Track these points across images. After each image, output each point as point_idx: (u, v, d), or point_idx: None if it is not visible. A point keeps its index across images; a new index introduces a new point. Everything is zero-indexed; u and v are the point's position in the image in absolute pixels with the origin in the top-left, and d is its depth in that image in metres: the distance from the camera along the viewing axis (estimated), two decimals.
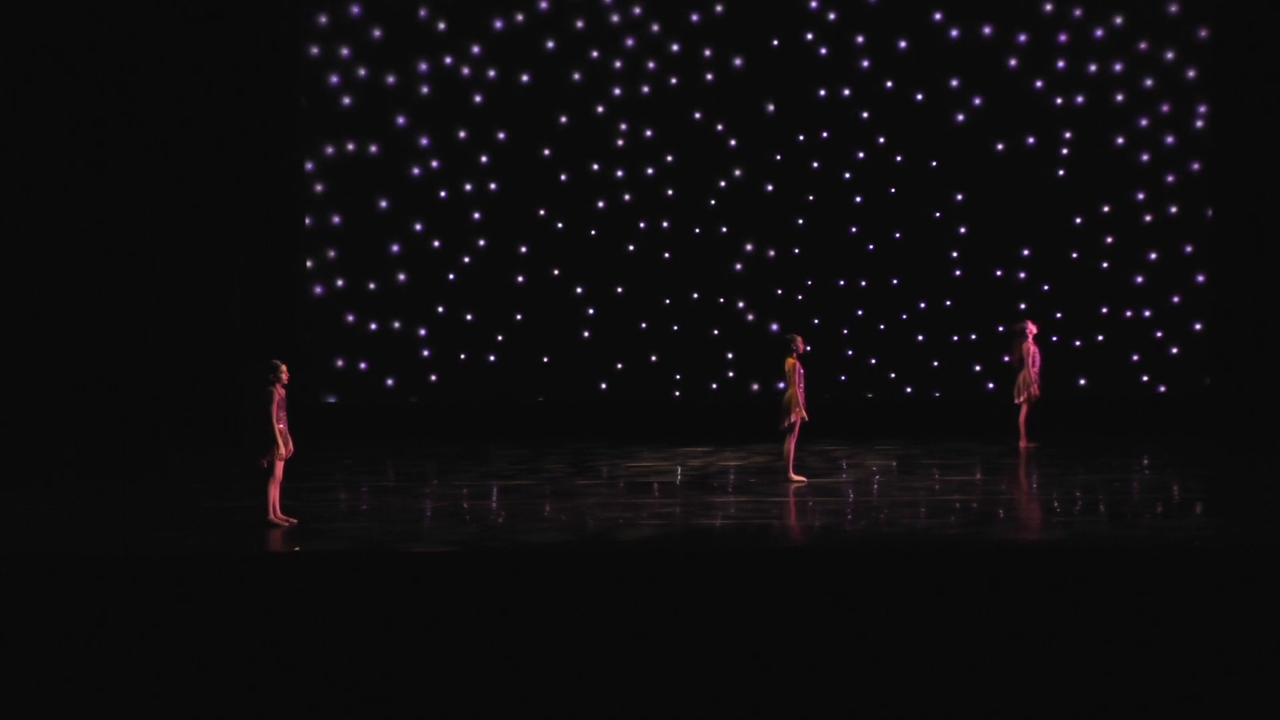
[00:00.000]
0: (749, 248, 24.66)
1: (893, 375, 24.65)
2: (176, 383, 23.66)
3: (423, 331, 24.57)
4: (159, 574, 14.48)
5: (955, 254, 24.57)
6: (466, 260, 24.58)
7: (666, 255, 24.66)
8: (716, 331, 24.68)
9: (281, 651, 13.71)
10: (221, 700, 13.54)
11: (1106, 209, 24.38)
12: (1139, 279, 24.37)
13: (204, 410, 23.69)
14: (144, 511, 17.67)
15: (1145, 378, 24.43)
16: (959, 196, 24.51)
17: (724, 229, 24.65)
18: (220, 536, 16.08)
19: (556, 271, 24.62)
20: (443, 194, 24.52)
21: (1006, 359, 23.20)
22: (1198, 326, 24.31)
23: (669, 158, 24.61)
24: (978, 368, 24.55)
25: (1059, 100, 24.31)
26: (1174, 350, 24.34)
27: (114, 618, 13.93)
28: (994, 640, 13.57)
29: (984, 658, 13.49)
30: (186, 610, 13.99)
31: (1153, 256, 24.34)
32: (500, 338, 24.62)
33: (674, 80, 24.54)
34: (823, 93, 24.54)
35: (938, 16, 24.34)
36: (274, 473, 16.56)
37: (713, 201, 24.63)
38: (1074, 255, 24.43)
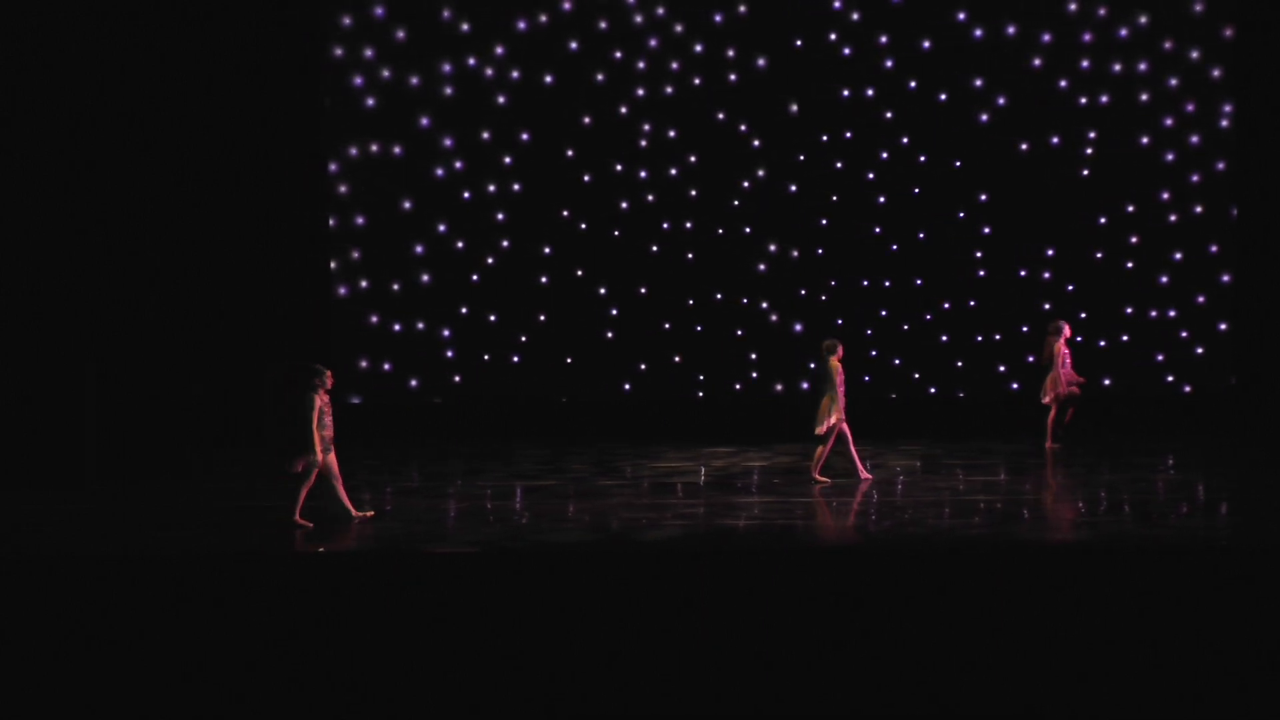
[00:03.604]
0: (772, 248, 24.66)
1: (916, 375, 24.62)
2: (198, 382, 23.74)
3: (446, 332, 24.61)
4: (175, 574, 14.52)
5: (979, 254, 24.54)
6: (490, 261, 24.62)
7: (690, 255, 24.66)
8: (740, 332, 24.68)
9: (303, 651, 13.73)
10: (242, 700, 13.56)
11: (1131, 208, 24.34)
12: (1163, 278, 24.32)
13: (227, 411, 23.76)
14: (162, 511, 17.72)
15: (1170, 377, 24.37)
16: (983, 196, 24.48)
17: (747, 229, 24.65)
18: (239, 536, 16.11)
19: (579, 272, 24.65)
20: (466, 195, 24.57)
21: (1030, 359, 23.16)
22: (1222, 326, 24.24)
23: (692, 158, 24.62)
24: (1001, 368, 24.52)
25: (1083, 100, 24.28)
26: (1199, 350, 24.28)
27: (121, 618, 13.97)
28: (1019, 640, 13.55)
29: (1009, 658, 13.46)
30: (207, 610, 14.02)
31: (1177, 256, 24.28)
32: (523, 338, 24.66)
33: (697, 80, 24.55)
34: (846, 93, 24.53)
35: (961, 16, 24.33)
36: (308, 477, 16.55)
37: (736, 202, 24.64)
38: (1098, 255, 24.39)
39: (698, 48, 24.51)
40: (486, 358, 24.66)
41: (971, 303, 24.59)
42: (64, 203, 23.34)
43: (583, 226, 24.66)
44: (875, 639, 13.65)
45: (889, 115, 24.50)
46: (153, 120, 23.69)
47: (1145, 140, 24.25)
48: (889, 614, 13.83)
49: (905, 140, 24.51)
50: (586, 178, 24.64)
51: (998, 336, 24.56)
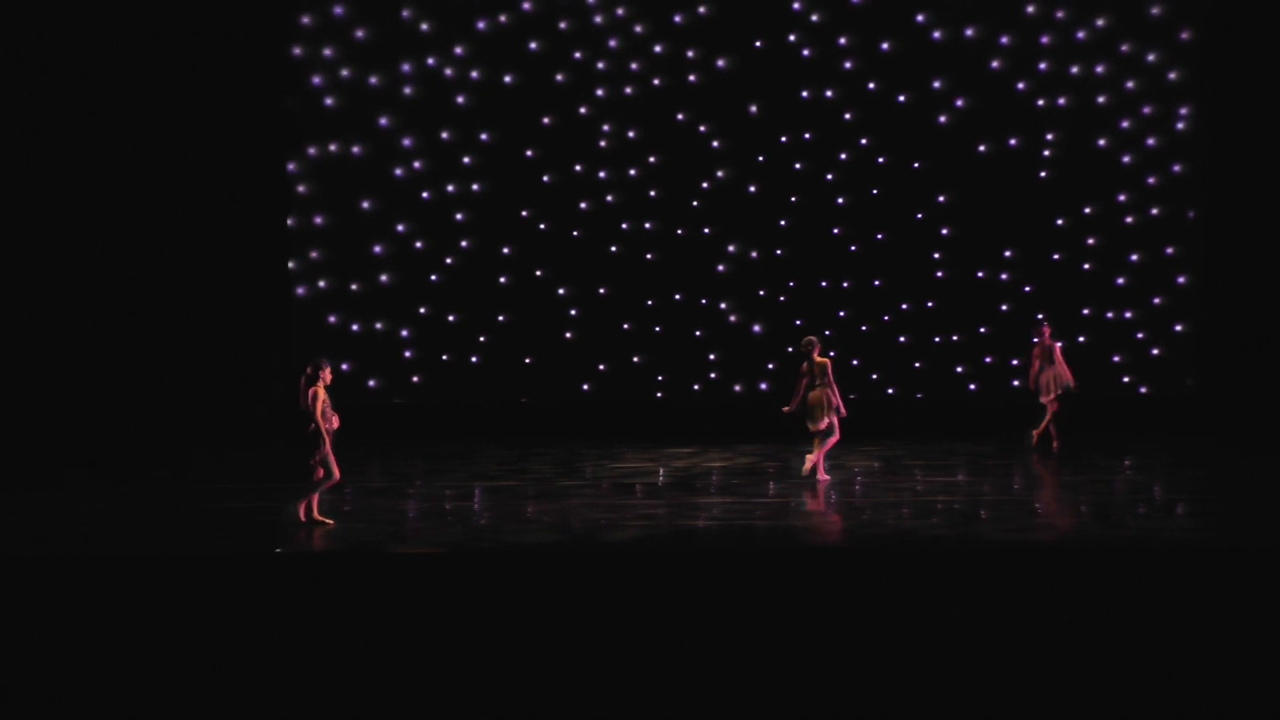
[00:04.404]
0: (732, 249, 24.69)
1: (875, 376, 24.68)
2: (157, 382, 23.69)
3: (405, 332, 24.56)
4: (144, 575, 14.46)
5: (938, 255, 24.62)
6: (450, 261, 24.58)
7: (650, 256, 24.68)
8: (699, 332, 24.70)
9: (264, 652, 13.67)
10: (200, 701, 13.49)
11: (1089, 210, 24.46)
12: (1121, 280, 24.45)
13: (187, 410, 23.70)
14: (125, 511, 17.63)
15: (1128, 378, 24.51)
16: (942, 198, 24.56)
17: (707, 230, 24.67)
18: (202, 537, 16.03)
19: (540, 272, 24.63)
20: (426, 195, 24.52)
21: (988, 359, 23.23)
22: (1180, 327, 24.39)
23: (652, 159, 24.63)
24: (959, 369, 24.60)
25: (1042, 102, 24.38)
26: (1156, 351, 24.42)
27: (87, 620, 13.90)
28: (980, 640, 13.58)
29: (970, 658, 13.49)
30: (170, 610, 13.95)
31: (1135, 258, 24.41)
32: (484, 339, 24.62)
33: (658, 81, 24.56)
34: (806, 94, 24.57)
35: (921, 18, 24.39)
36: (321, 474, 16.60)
37: (696, 203, 24.65)
38: (1056, 256, 24.50)
39: (658, 49, 24.53)
40: (446, 358, 24.62)
41: (930, 304, 24.68)
42: (18, 201, 23.22)
43: (543, 227, 24.65)
44: (836, 639, 13.67)
45: (849, 117, 24.57)
46: (112, 119, 23.59)
47: (1104, 142, 24.38)
48: (849, 614, 13.86)
49: (864, 142, 24.58)
50: (547, 178, 24.62)
51: (955, 338, 24.65)
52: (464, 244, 24.59)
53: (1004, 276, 24.60)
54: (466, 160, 24.54)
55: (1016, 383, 22.77)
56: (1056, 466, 20.76)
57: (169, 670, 13.55)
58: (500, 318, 24.63)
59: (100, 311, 23.65)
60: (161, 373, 23.80)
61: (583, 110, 24.59)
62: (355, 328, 24.52)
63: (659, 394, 24.81)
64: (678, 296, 24.71)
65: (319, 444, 16.41)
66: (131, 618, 13.92)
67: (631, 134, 24.61)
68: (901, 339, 24.70)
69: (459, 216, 24.57)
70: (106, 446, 22.58)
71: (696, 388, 24.79)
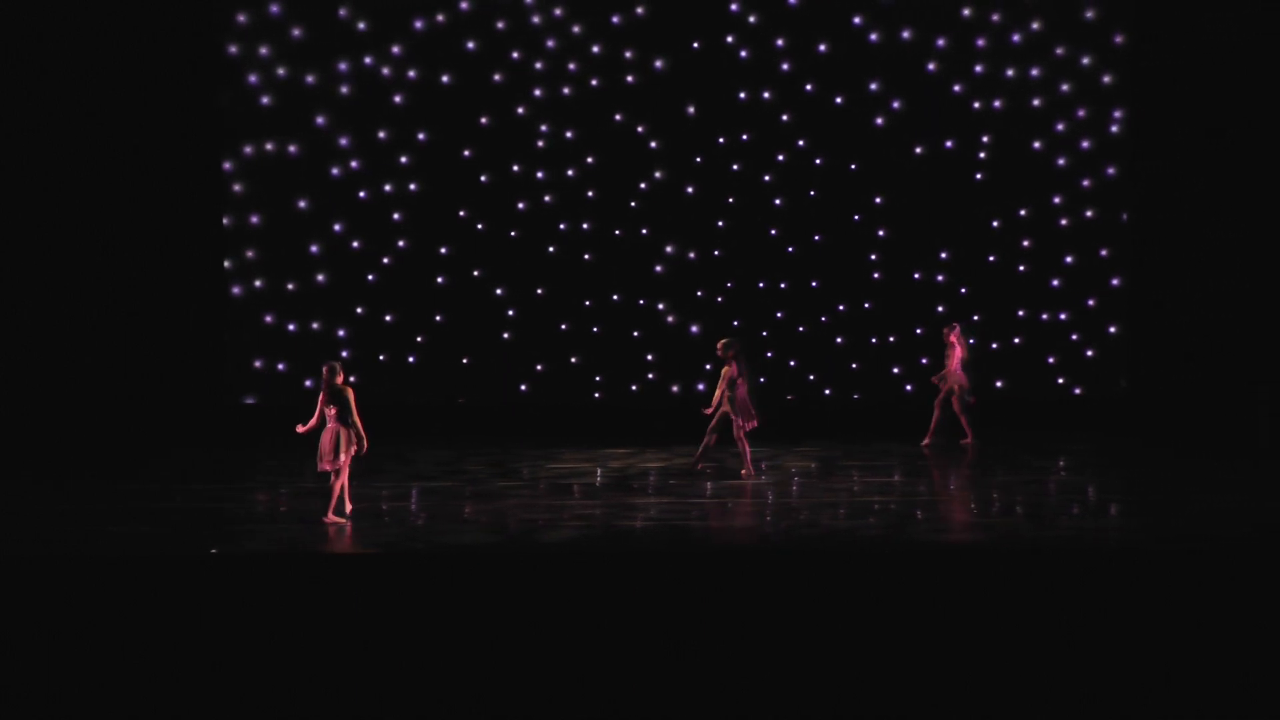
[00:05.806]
0: (670, 249, 24.70)
1: (812, 377, 24.75)
2: (91, 383, 23.54)
3: (342, 332, 24.46)
4: (72, 579, 14.38)
5: (874, 256, 24.71)
6: (386, 261, 24.49)
7: (587, 257, 24.67)
8: (637, 333, 24.70)
9: (200, 655, 13.60)
10: (136, 705, 13.41)
11: (1024, 212, 24.60)
12: (1056, 282, 24.61)
13: (121, 413, 23.55)
14: (65, 510, 17.51)
15: (1061, 380, 24.67)
16: (878, 199, 24.65)
17: (645, 231, 24.68)
18: (127, 538, 15.93)
19: (477, 272, 24.58)
20: (363, 194, 24.42)
21: (925, 360, 23.35)
22: (1113, 329, 24.57)
23: (590, 159, 24.61)
24: (896, 370, 24.70)
25: (977, 104, 24.51)
26: (1090, 353, 24.59)
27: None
28: (916, 642, 13.64)
29: (906, 660, 13.55)
30: (110, 611, 13.87)
31: (1069, 260, 24.58)
32: (420, 339, 24.55)
33: (595, 82, 24.55)
34: (743, 95, 24.61)
35: (857, 20, 24.48)
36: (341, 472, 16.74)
37: (634, 203, 24.66)
38: (991, 258, 24.64)
39: (596, 49, 24.51)
40: (383, 358, 24.54)
41: (866, 305, 24.76)
42: None
43: (480, 227, 24.60)
44: (772, 640, 13.71)
45: (786, 118, 24.62)
46: (43, 117, 23.40)
47: (1038, 145, 24.53)
48: (785, 614, 13.90)
49: (801, 143, 24.64)
50: (484, 178, 24.57)
51: (892, 339, 24.75)
52: (401, 244, 24.51)
53: (940, 278, 24.71)
54: (403, 160, 24.46)
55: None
56: (980, 465, 20.92)
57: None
58: (437, 318, 24.57)
59: (28, 311, 23.43)
60: (93, 372, 23.61)
61: (520, 110, 24.54)
62: (291, 327, 24.40)
63: (596, 395, 24.80)
64: (615, 297, 24.71)
65: (356, 440, 16.68)
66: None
67: (569, 134, 24.59)
68: (839, 340, 24.77)
69: (396, 216, 24.49)
70: (38, 446, 22.39)
71: (634, 388, 24.79)
